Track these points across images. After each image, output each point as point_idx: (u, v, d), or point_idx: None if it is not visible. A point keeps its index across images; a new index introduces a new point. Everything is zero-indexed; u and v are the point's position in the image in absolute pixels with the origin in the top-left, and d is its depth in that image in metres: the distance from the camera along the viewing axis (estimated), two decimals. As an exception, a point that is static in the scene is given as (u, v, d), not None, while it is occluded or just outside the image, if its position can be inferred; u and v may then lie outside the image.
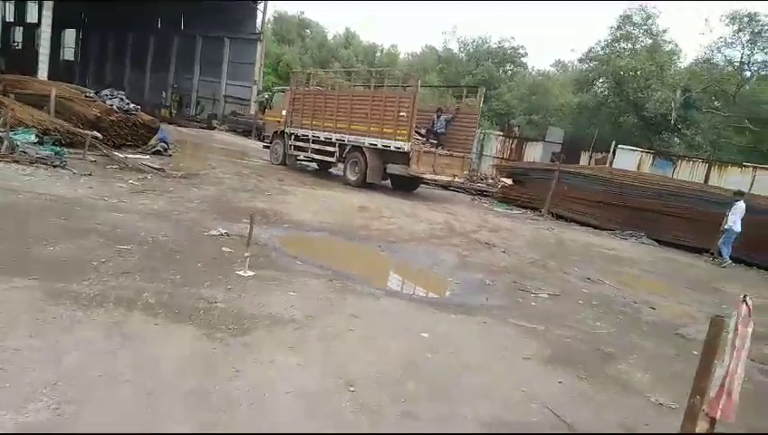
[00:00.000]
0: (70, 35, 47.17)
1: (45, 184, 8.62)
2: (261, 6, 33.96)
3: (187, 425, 2.85)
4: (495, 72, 32.20)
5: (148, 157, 13.98)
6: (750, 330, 2.83)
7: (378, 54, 59.38)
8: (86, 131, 12.45)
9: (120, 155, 12.96)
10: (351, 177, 15.32)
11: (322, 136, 16.17)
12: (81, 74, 42.33)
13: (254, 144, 25.35)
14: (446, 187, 17.80)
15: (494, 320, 5.53)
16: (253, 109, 34.10)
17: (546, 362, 4.62)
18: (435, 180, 15.91)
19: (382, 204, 12.27)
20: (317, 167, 17.99)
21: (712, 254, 12.25)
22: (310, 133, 16.62)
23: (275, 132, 18.33)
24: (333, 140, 15.84)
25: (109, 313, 4.07)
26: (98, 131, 13.01)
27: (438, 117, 15.43)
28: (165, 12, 38.18)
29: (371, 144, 14.71)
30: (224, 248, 6.54)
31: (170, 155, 15.22)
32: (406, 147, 13.82)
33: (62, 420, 2.69)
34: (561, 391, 4.10)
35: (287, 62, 47.87)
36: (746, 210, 11.56)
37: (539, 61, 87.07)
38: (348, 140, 15.39)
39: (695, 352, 5.42)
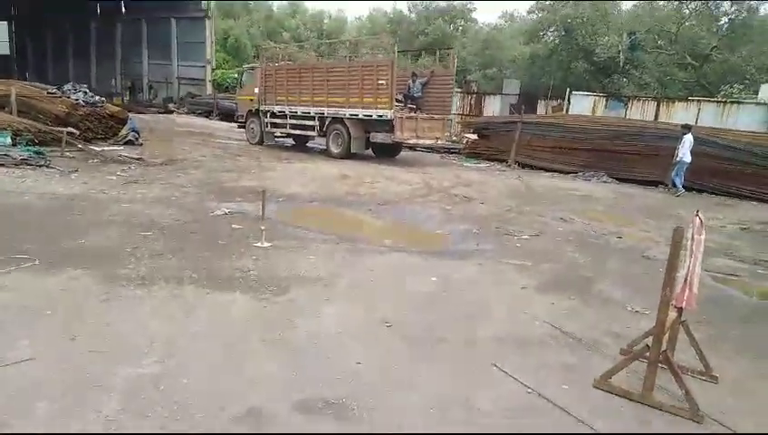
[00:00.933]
0: (1, 29, 44.94)
1: (41, 184, 8.88)
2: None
3: (272, 364, 3.50)
4: (447, 29, 32.60)
5: (121, 148, 14.11)
6: (702, 238, 3.62)
7: (326, 21, 58.64)
8: (60, 129, 12.49)
9: (96, 149, 13.08)
10: (335, 149, 15.47)
11: (300, 111, 16.27)
12: (19, 69, 40.57)
13: (217, 124, 25.36)
14: (413, 148, 18.22)
15: (488, 261, 6.30)
16: (209, 88, 33.72)
17: (539, 290, 5.42)
18: (418, 144, 16.24)
19: (361, 171, 12.84)
20: (293, 142, 18.19)
21: (666, 185, 13.36)
22: (287, 109, 16.63)
23: (249, 111, 18.30)
24: (312, 114, 15.92)
25: (164, 288, 4.63)
26: (68, 127, 13.04)
27: (414, 81, 15.48)
28: (103, -2, 36.87)
29: (352, 115, 14.83)
30: (233, 225, 7.07)
31: (141, 144, 15.30)
32: (389, 114, 13.96)
33: (171, 370, 3.30)
34: (556, 309, 4.89)
35: (236, 36, 46.92)
36: (694, 142, 12.63)
37: (487, 15, 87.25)
38: (327, 113, 15.45)
39: (660, 270, 6.33)
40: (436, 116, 15.11)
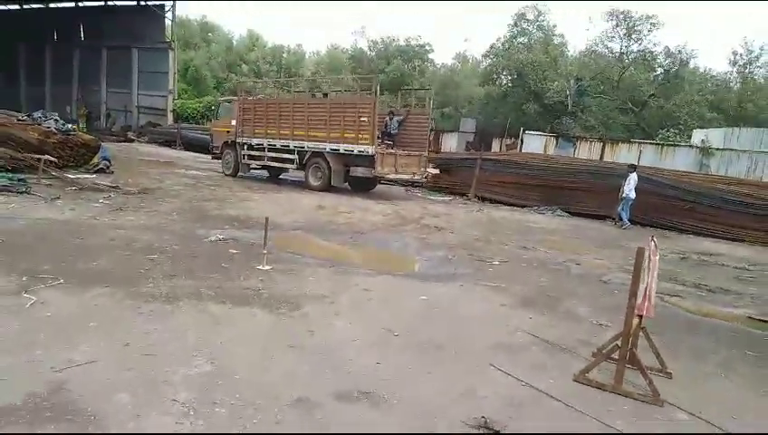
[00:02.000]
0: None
1: (30, 210, 9.07)
2: (168, 14, 33.49)
3: (304, 364, 4.05)
4: (406, 69, 34.10)
5: (93, 176, 14.23)
6: (657, 259, 4.45)
7: (285, 55, 59.68)
8: (37, 156, 12.60)
9: (71, 176, 13.21)
10: (314, 182, 15.85)
11: (279, 144, 16.68)
12: (-34, 94, 39.40)
13: (181, 154, 25.50)
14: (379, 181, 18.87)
15: (468, 283, 7.02)
16: (170, 118, 33.79)
17: (516, 307, 6.17)
18: (397, 179, 16.76)
19: (335, 202, 13.47)
20: (268, 174, 18.58)
21: (614, 219, 14.59)
22: (265, 142, 17.03)
23: (225, 143, 18.63)
24: (292, 147, 16.34)
25: (189, 304, 5.10)
26: (45, 155, 13.14)
27: (391, 119, 16.25)
28: (61, 23, 36.60)
29: (333, 149, 15.28)
30: (231, 250, 7.55)
31: (113, 172, 15.43)
32: (370, 150, 14.46)
33: (221, 369, 3.80)
34: (533, 322, 5.63)
35: (196, 67, 47.22)
36: (638, 180, 13.96)
37: (442, 55, 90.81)
38: (307, 147, 15.89)
39: (615, 292, 7.28)
40: (413, 152, 15.82)
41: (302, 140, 16.02)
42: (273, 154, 16.97)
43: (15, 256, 6.14)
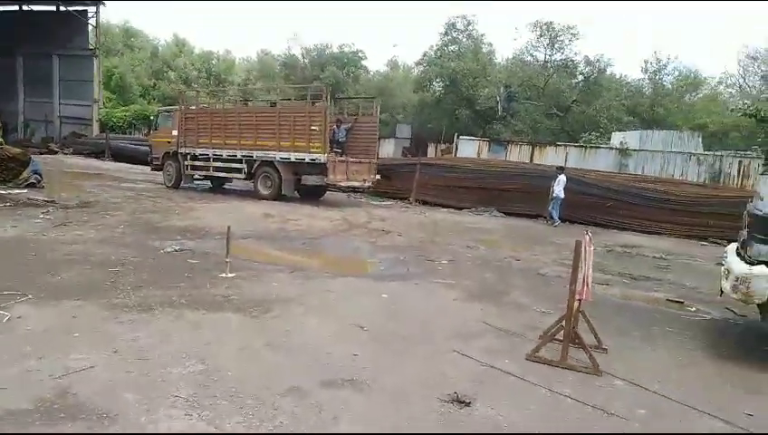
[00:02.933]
0: None
1: (-30, 227, 8.79)
2: (92, 20, 32.23)
3: (287, 359, 4.40)
4: (341, 76, 34.53)
5: (24, 191, 13.74)
6: (591, 249, 5.13)
7: (214, 62, 58.54)
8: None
9: (2, 192, 12.72)
10: (264, 191, 15.80)
11: (225, 153, 16.59)
12: None
13: (111, 166, 24.71)
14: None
15: (422, 281, 7.55)
16: (96, 128, 32.49)
17: (467, 300, 6.74)
18: (348, 186, 16.95)
19: (281, 210, 13.68)
20: (210, 185, 18.42)
21: (545, 218, 15.66)
22: (210, 152, 16.90)
23: (166, 153, 18.29)
24: (239, 157, 16.26)
25: (164, 312, 5.30)
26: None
27: (338, 127, 16.39)
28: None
29: (283, 158, 15.32)
30: (189, 260, 7.71)
31: (43, 187, 14.89)
32: (322, 158, 14.62)
33: (212, 367, 4.09)
34: (484, 313, 6.21)
35: (120, 75, 45.52)
36: (566, 181, 15.07)
37: (374, 62, 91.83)
38: (256, 156, 15.86)
39: (552, 283, 8.03)
40: (363, 160, 16.13)
41: (251, 150, 16.00)
42: (219, 164, 16.84)
43: (-27, 273, 6.08)
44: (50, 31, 31.79)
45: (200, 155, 17.23)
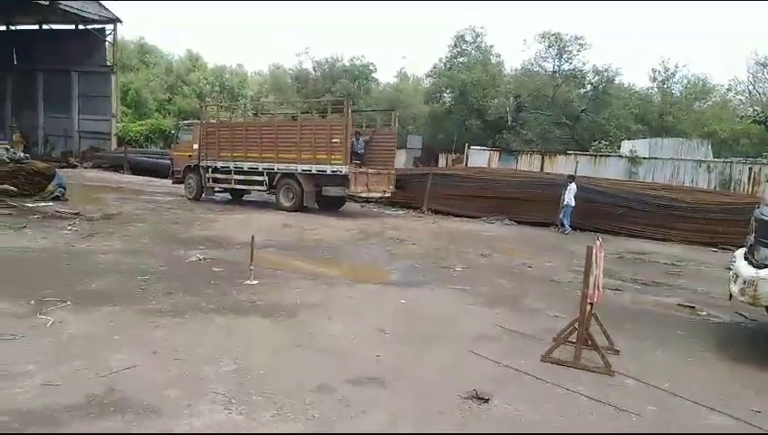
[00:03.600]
0: None
1: (5, 240, 9.15)
2: (109, 38, 33.02)
3: (315, 359, 4.66)
4: (352, 88, 35.01)
5: (50, 204, 14.17)
6: (602, 254, 5.36)
7: (227, 76, 59.44)
8: (-5, 185, 12.51)
9: (30, 205, 13.16)
10: (286, 203, 16.01)
11: (246, 166, 16.83)
12: None
13: (130, 179, 25.25)
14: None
15: (438, 288, 7.79)
16: (114, 142, 33.20)
17: (483, 305, 6.97)
18: (369, 197, 17.15)
19: (299, 220, 14.00)
20: (230, 197, 18.73)
21: (556, 226, 15.82)
22: (231, 165, 17.16)
23: (187, 167, 18.61)
24: (260, 170, 16.52)
25: (196, 316, 5.59)
26: (4, 185, 13.05)
27: (357, 139, 16.50)
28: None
29: (305, 170, 15.57)
30: (214, 269, 8.01)
31: (67, 199, 15.34)
32: (344, 170, 14.88)
33: (245, 367, 4.36)
34: (499, 317, 6.43)
35: (136, 90, 46.43)
36: (576, 189, 15.26)
37: (384, 74, 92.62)
38: (278, 168, 16.10)
39: (565, 289, 8.24)
40: (382, 171, 16.33)
41: (272, 162, 16.24)
42: (241, 177, 17.11)
43: (13, 282, 6.42)
44: (69, 48, 32.64)
45: (221, 168, 17.48)
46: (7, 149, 15.50)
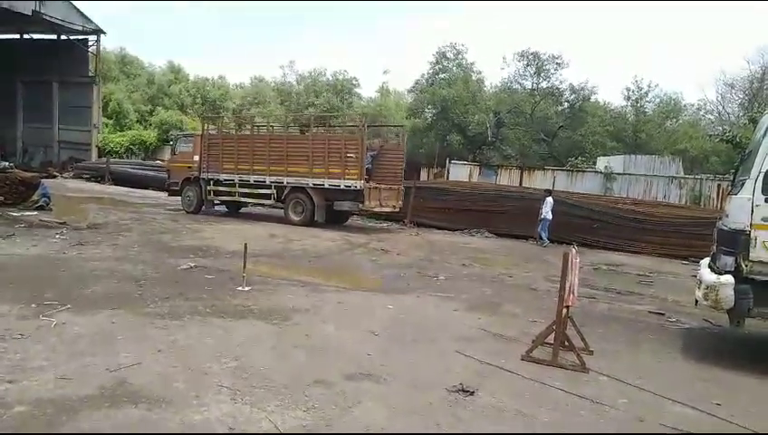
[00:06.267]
0: None
1: (-6, 246, 9.26)
2: (92, 48, 32.98)
3: (311, 357, 4.95)
4: (335, 102, 35.47)
5: (35, 213, 14.20)
6: (578, 261, 5.77)
7: (209, 88, 59.46)
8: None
9: (15, 214, 13.20)
10: (295, 217, 15.87)
11: (252, 179, 16.64)
12: None
13: (111, 189, 25.16)
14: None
15: (422, 295, 8.14)
16: (94, 154, 33.00)
17: (466, 311, 7.33)
18: (381, 212, 16.92)
19: (284, 231, 14.24)
20: (227, 209, 18.47)
21: (535, 238, 16.32)
22: (236, 177, 16.88)
23: (186, 179, 18.20)
24: (268, 183, 16.34)
25: (194, 319, 5.84)
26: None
27: (365, 154, 16.03)
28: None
29: (316, 184, 15.51)
30: (206, 276, 8.24)
31: (52, 209, 15.34)
32: (358, 185, 14.84)
33: (246, 363, 4.63)
34: (482, 322, 6.79)
35: (117, 101, 46.20)
36: (553, 203, 15.80)
37: (368, 89, 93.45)
38: (287, 182, 15.95)
39: (543, 297, 8.65)
40: (393, 186, 16.37)
41: (281, 175, 16.08)
42: (246, 190, 16.89)
43: (13, 287, 6.59)
44: (50, 58, 32.45)
45: (225, 180, 17.21)
46: (-9, 159, 15.44)
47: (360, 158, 15.02)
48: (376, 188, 15.71)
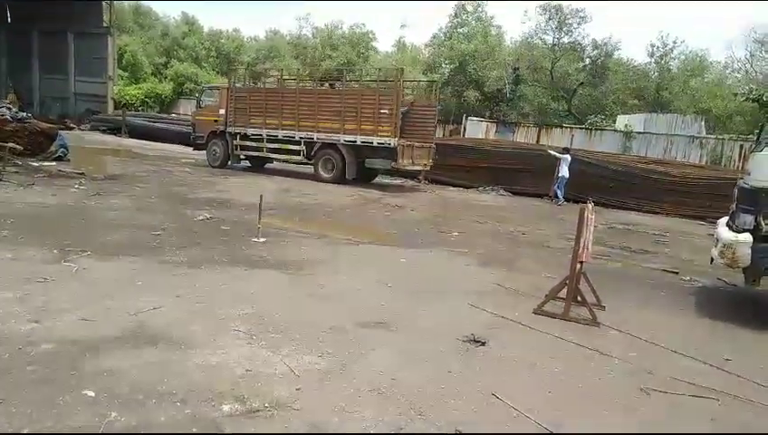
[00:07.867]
0: None
1: (16, 196, 9.41)
2: (106, -1, 32.56)
3: (325, 305, 5.05)
4: (352, 55, 34.89)
5: (54, 163, 14.35)
6: (593, 217, 5.73)
7: (223, 41, 58.70)
8: (1, 144, 12.65)
9: (35, 164, 13.36)
10: (325, 174, 15.67)
11: (281, 134, 16.40)
12: None
13: (128, 142, 25.32)
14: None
15: (436, 249, 8.18)
16: (111, 106, 33.02)
17: (479, 266, 7.37)
18: (413, 170, 16.63)
19: (299, 186, 14.33)
20: (249, 164, 18.28)
21: (550, 197, 16.21)
22: (263, 132, 16.68)
23: (212, 132, 17.93)
24: (297, 138, 16.09)
25: (211, 267, 5.95)
26: (9, 143, 13.17)
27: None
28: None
29: (348, 141, 15.20)
30: (222, 227, 8.34)
31: (69, 160, 15.48)
32: (392, 142, 14.48)
33: (261, 310, 4.73)
34: (495, 276, 6.83)
35: (132, 53, 45.88)
36: (571, 161, 15.60)
37: (383, 43, 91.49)
38: (317, 138, 15.70)
39: (558, 254, 8.64)
40: (425, 144, 16.03)
41: (311, 131, 15.84)
42: (274, 145, 16.65)
43: (36, 233, 6.74)
44: (65, 9, 32.10)
45: (252, 135, 17.01)
46: (9, 108, 15.52)
47: (395, 114, 14.61)
48: (409, 145, 15.30)
